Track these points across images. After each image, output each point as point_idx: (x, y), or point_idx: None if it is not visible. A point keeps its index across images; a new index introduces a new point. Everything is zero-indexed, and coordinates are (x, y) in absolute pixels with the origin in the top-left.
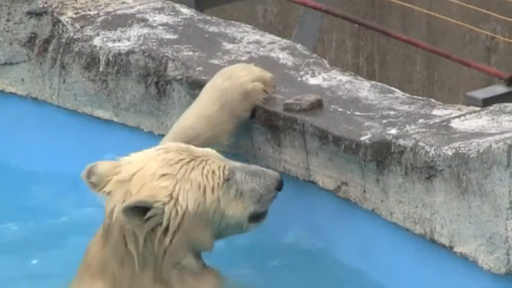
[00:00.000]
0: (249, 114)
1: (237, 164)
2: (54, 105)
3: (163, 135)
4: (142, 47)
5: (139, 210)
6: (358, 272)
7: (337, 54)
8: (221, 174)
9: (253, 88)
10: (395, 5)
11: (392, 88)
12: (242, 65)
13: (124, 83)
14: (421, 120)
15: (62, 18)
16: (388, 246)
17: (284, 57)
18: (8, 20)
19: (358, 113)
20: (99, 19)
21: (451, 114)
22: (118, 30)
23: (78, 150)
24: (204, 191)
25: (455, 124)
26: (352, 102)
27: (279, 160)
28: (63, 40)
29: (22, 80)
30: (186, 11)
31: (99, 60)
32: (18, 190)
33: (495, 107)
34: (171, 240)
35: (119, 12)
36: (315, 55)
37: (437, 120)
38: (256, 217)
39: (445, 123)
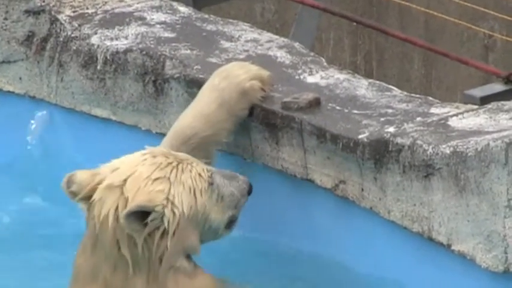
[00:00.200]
0: (247, 112)
1: (213, 168)
2: (51, 103)
3: (161, 134)
4: (140, 46)
5: (138, 215)
6: (356, 270)
7: (334, 53)
8: (206, 177)
9: (250, 86)
10: (393, 3)
11: (390, 86)
12: (239, 63)
13: (122, 82)
14: (419, 119)
15: (59, 16)
16: (386, 244)
17: (282, 56)
18: (5, 19)
19: (356, 111)
20: (97, 17)
21: (449, 112)
22: (116, 29)
23: (77, 149)
24: (194, 194)
25: (453, 122)
26: (350, 100)
27: (276, 158)
28: (61, 38)
29: (20, 78)
30: (183, 9)
31: (96, 59)
32: (18, 189)
33: (493, 105)
34: (168, 244)
35: (116, 10)
36: (312, 53)
37: (435, 118)
38: (230, 222)
39: (443, 121)
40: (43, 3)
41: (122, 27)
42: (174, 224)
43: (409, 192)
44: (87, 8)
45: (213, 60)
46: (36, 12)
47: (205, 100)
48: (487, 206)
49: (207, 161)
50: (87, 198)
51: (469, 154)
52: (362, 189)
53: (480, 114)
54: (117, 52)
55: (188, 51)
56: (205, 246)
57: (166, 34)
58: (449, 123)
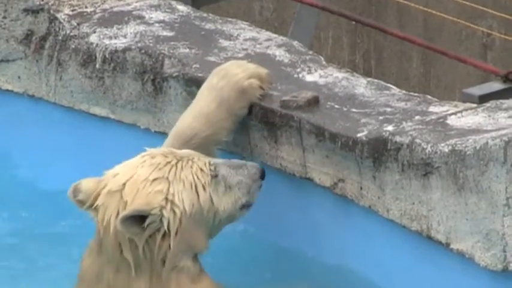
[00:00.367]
0: (247, 111)
1: (219, 160)
2: (50, 102)
3: (159, 133)
4: (139, 44)
5: (137, 218)
6: (355, 269)
7: (333, 51)
8: (208, 171)
9: (249, 85)
10: (391, 2)
11: (389, 85)
12: (236, 62)
13: (120, 80)
14: (417, 117)
15: (58, 15)
16: (385, 243)
17: (280, 54)
18: (4, 17)
19: (354, 110)
20: (96, 16)
21: (447, 111)
22: (114, 28)
23: (76, 148)
24: (196, 190)
25: (452, 121)
26: (348, 99)
27: (275, 157)
28: (60, 37)
29: (19, 77)
30: (182, 8)
31: (95, 58)
32: (17, 188)
33: (491, 103)
34: (170, 244)
35: (115, 9)
36: (311, 52)
37: (433, 117)
38: (244, 206)
39: (441, 120)
40: (42, 2)
41: (120, 26)
42: (176, 223)
43: (407, 191)
44: (86, 7)
45: (212, 59)
46: (35, 11)
47: (204, 100)
48: (485, 204)
49: None
50: (94, 205)
51: (468, 153)
52: (361, 188)
53: (479, 113)
54: (116, 51)
55: (187, 50)
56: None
57: (165, 33)
58: (448, 121)
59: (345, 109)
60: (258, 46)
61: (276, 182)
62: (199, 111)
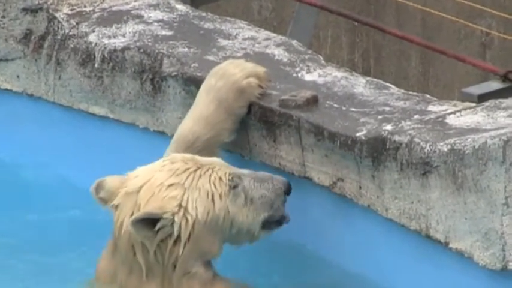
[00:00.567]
0: (246, 110)
1: (244, 171)
2: (49, 101)
3: (158, 132)
4: (138, 44)
5: (149, 222)
6: (354, 268)
7: (332, 50)
8: (227, 181)
9: (247, 84)
10: (390, 1)
11: (388, 84)
12: (234, 61)
13: (119, 80)
14: (416, 116)
15: (57, 14)
16: (384, 242)
17: (279, 54)
18: (3, 17)
19: (353, 109)
20: (95, 15)
21: (446, 110)
22: (113, 27)
23: (74, 147)
24: (213, 199)
25: (451, 120)
26: (347, 98)
27: (274, 156)
28: (59, 36)
29: (17, 76)
30: (181, 7)
31: (94, 57)
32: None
33: (490, 102)
34: (182, 250)
35: (114, 8)
36: (310, 51)
37: (432, 116)
38: (270, 223)
39: (440, 119)
40: (41, 1)
41: (119, 25)
42: (187, 230)
43: (406, 190)
44: (85, 6)
45: (211, 58)
46: (33, 10)
47: (203, 102)
48: (484, 203)
49: None
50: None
51: (467, 152)
52: (360, 187)
53: (478, 112)
54: (115, 50)
55: (186, 49)
56: None
57: (164, 32)
58: (446, 121)
59: (343, 108)
60: (256, 45)
61: None
62: (199, 114)
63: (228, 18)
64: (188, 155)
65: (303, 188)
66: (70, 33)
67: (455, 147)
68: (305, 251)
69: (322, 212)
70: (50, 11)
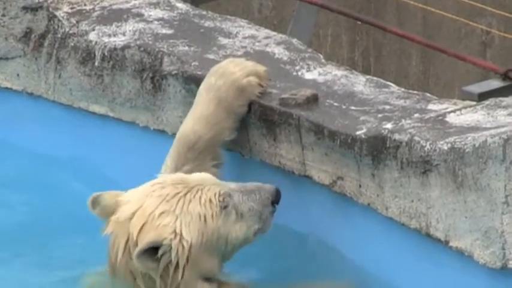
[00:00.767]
0: (246, 109)
1: (233, 185)
2: (49, 100)
3: (158, 130)
4: (138, 42)
5: (151, 252)
6: (354, 266)
7: (332, 49)
8: (218, 202)
9: (247, 83)
10: (390, 0)
11: (388, 83)
12: (234, 60)
13: (119, 78)
14: (416, 115)
15: (57, 13)
16: (384, 240)
17: (279, 52)
18: (3, 15)
19: (353, 108)
20: (95, 14)
21: (446, 108)
22: (113, 25)
23: (75, 146)
24: (205, 220)
25: (451, 119)
26: (347, 96)
27: (274, 155)
28: (59, 35)
29: (18, 75)
30: (181, 5)
31: (94, 55)
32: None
33: (491, 101)
34: (182, 275)
35: (114, 7)
36: (310, 50)
37: (432, 114)
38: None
39: (440, 117)
40: (41, 0)
41: (119, 24)
42: (185, 255)
43: (406, 189)
44: (85, 5)
45: (211, 56)
46: (34, 9)
47: (204, 101)
48: (484, 202)
49: (217, 162)
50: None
51: (467, 150)
52: (360, 186)
53: (478, 111)
54: (115, 49)
55: (186, 48)
56: None
57: (164, 31)
58: (447, 119)
59: (344, 107)
60: (257, 44)
61: (275, 180)
62: (200, 113)
63: (228, 16)
64: (177, 176)
65: (303, 186)
66: (70, 31)
67: (455, 146)
68: (305, 250)
69: (322, 211)
70: (50, 9)
